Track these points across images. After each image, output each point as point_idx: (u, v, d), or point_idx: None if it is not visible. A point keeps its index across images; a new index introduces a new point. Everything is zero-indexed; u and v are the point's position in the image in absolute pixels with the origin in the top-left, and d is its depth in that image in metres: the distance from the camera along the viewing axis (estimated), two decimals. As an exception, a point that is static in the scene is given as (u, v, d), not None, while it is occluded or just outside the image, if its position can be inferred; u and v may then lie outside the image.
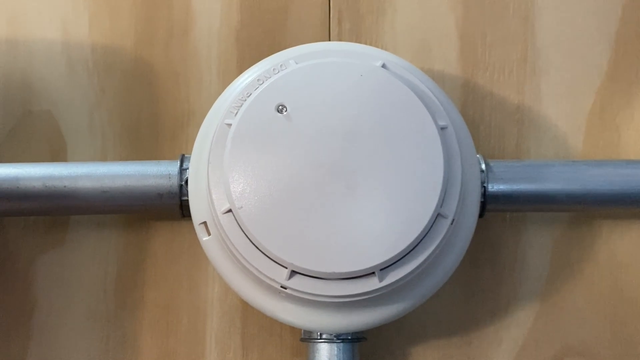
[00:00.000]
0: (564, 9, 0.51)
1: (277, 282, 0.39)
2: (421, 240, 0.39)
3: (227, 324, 0.49)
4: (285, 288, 0.40)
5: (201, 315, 0.49)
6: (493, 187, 0.45)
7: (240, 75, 0.45)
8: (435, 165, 0.40)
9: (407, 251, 0.39)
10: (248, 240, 0.40)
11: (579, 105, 0.51)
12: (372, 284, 0.39)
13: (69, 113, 0.51)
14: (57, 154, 0.50)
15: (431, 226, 0.39)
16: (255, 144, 0.40)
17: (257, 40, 0.51)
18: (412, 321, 0.49)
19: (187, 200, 0.44)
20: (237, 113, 0.41)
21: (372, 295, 0.40)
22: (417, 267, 0.39)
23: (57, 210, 0.46)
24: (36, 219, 0.50)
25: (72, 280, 0.49)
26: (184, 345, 0.49)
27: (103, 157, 0.50)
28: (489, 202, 0.45)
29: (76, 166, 0.46)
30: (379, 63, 0.42)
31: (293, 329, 0.49)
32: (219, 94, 0.45)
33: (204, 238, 0.43)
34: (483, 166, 0.45)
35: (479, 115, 0.51)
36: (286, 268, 0.39)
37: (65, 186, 0.45)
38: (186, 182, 0.44)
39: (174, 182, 0.45)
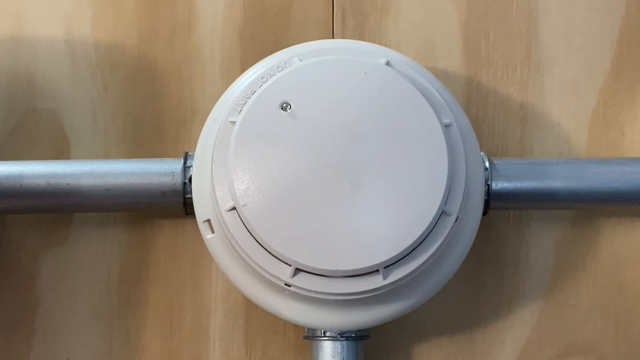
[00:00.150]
0: (568, 7, 0.51)
1: (281, 279, 0.39)
2: (425, 238, 0.39)
3: (231, 321, 0.49)
4: (289, 286, 0.40)
5: (205, 312, 0.49)
6: (497, 185, 0.45)
7: (244, 72, 0.45)
8: (439, 163, 0.40)
9: (411, 249, 0.39)
10: (252, 238, 0.40)
11: (583, 103, 0.51)
12: (376, 281, 0.39)
13: (73, 111, 0.51)
14: (61, 152, 0.50)
15: (435, 224, 0.39)
16: (259, 142, 0.40)
17: (260, 38, 0.51)
18: (416, 319, 0.49)
19: (191, 198, 0.44)
20: (241, 111, 0.41)
21: (376, 293, 0.40)
22: (421, 265, 0.39)
23: (60, 208, 0.46)
24: (40, 217, 0.50)
25: (76, 278, 0.49)
26: (187, 343, 0.49)
27: (106, 155, 0.50)
28: (492, 200, 0.45)
29: (80, 164, 0.46)
30: (383, 61, 0.42)
31: (296, 327, 0.49)
32: (223, 91, 0.45)
33: (207, 236, 0.43)
34: (487, 164, 0.45)
35: (482, 113, 0.51)
36: (290, 266, 0.39)
37: (68, 184, 0.45)
38: (190, 179, 0.44)
39: (178, 179, 0.45)
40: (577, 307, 0.49)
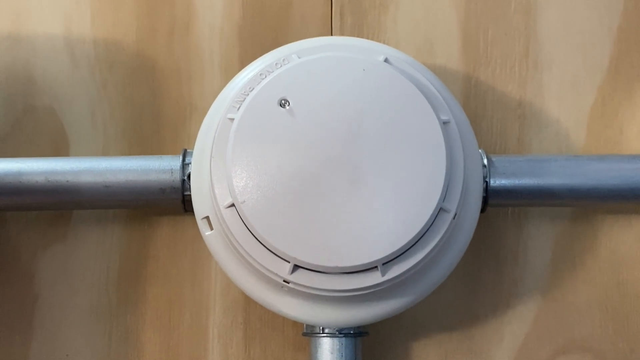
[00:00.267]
0: (566, 4, 0.51)
1: (279, 276, 0.40)
2: (423, 234, 0.39)
3: (230, 318, 0.49)
4: (288, 282, 0.40)
5: (204, 309, 0.49)
6: (495, 182, 0.45)
7: (243, 69, 0.45)
8: (437, 160, 0.40)
9: (410, 245, 0.39)
10: (251, 235, 0.40)
11: (581, 100, 0.51)
12: (375, 278, 0.39)
13: (72, 108, 0.51)
14: (60, 149, 0.50)
15: (433, 221, 0.39)
16: (258, 139, 0.40)
17: (259, 36, 0.51)
18: (414, 316, 0.49)
19: (190, 195, 0.44)
20: (239, 107, 0.41)
21: (374, 290, 0.40)
22: (420, 262, 0.40)
23: (59, 205, 0.47)
24: (39, 214, 0.50)
25: (75, 275, 0.49)
26: (186, 340, 0.49)
27: (105, 152, 0.50)
28: (491, 197, 0.45)
29: (78, 161, 0.46)
30: (382, 58, 0.42)
31: (295, 324, 0.49)
32: (221, 89, 0.45)
33: (206, 233, 0.43)
34: (485, 161, 0.45)
35: (481, 110, 0.51)
36: (289, 262, 0.39)
37: (67, 181, 0.45)
38: (188, 176, 0.44)
39: (177, 176, 0.45)
40: (575, 303, 0.49)
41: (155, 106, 0.51)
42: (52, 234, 0.50)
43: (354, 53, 0.42)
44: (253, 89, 0.41)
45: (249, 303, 0.49)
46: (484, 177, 0.45)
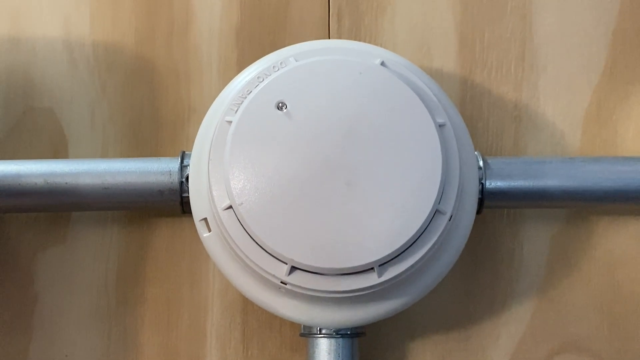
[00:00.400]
0: (562, 7, 0.52)
1: (277, 277, 0.40)
2: (419, 236, 0.40)
3: (228, 319, 0.49)
4: (285, 284, 0.40)
5: (202, 310, 0.49)
6: (491, 184, 0.45)
7: (241, 72, 0.45)
8: (433, 162, 0.40)
9: (406, 247, 0.39)
10: (248, 237, 0.40)
11: (577, 102, 0.51)
12: (371, 279, 0.40)
13: (71, 110, 0.51)
14: (59, 151, 0.51)
15: (429, 222, 0.40)
16: (256, 141, 0.40)
17: (257, 38, 0.52)
18: (411, 316, 0.49)
19: (188, 197, 0.44)
20: (237, 110, 0.41)
21: (371, 291, 0.40)
22: (416, 263, 0.40)
23: (58, 206, 0.47)
24: (38, 216, 0.50)
25: (74, 276, 0.50)
26: (184, 341, 0.49)
27: (104, 154, 0.51)
28: (486, 199, 0.45)
29: (77, 163, 0.46)
30: (378, 61, 0.42)
31: (293, 324, 0.49)
32: (220, 91, 0.45)
33: (204, 234, 0.43)
34: (481, 163, 0.45)
35: (477, 113, 0.51)
36: (286, 264, 0.39)
37: (66, 183, 0.45)
38: (187, 178, 0.45)
39: (175, 178, 0.45)
40: (571, 304, 0.49)
41: (153, 108, 0.51)
42: (51, 235, 0.50)
43: (350, 56, 0.43)
44: (250, 91, 0.41)
45: (246, 304, 0.49)
46: (480, 179, 0.45)
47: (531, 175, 0.46)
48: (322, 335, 0.45)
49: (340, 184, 0.39)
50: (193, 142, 0.44)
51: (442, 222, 0.40)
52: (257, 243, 0.40)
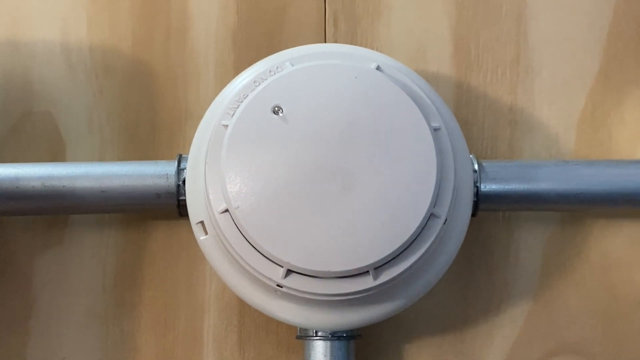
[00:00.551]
0: (556, 11, 0.52)
1: (273, 280, 0.40)
2: (414, 239, 0.40)
3: (224, 322, 0.50)
4: (281, 286, 0.40)
5: (199, 313, 0.50)
6: (486, 187, 0.46)
7: (237, 76, 0.46)
8: (428, 165, 0.40)
9: (401, 250, 0.40)
10: (244, 240, 0.40)
11: (571, 105, 0.51)
12: (367, 282, 0.40)
13: (68, 113, 0.51)
14: (56, 154, 0.51)
15: (424, 226, 0.40)
16: (252, 145, 0.40)
17: (254, 42, 0.52)
18: (406, 319, 0.49)
19: (185, 200, 0.44)
20: (233, 114, 0.41)
21: (366, 294, 0.40)
22: (411, 266, 0.40)
23: (56, 209, 0.47)
24: (35, 219, 0.50)
25: (71, 279, 0.50)
26: (181, 343, 0.49)
27: (101, 157, 0.51)
28: (481, 202, 0.46)
29: (75, 166, 0.46)
30: (374, 65, 0.43)
31: (289, 327, 0.49)
32: (216, 95, 0.46)
33: (201, 237, 0.43)
34: (476, 166, 0.46)
35: (472, 116, 0.51)
36: (282, 267, 0.40)
37: (64, 186, 0.45)
38: (184, 182, 0.45)
39: (172, 182, 0.45)
40: (565, 307, 0.50)
41: (151, 111, 0.51)
42: (49, 238, 0.50)
43: (346, 60, 0.43)
44: (247, 95, 0.42)
45: (243, 307, 0.49)
46: (475, 182, 0.45)
47: (526, 179, 0.46)
48: (318, 338, 0.45)
49: (335, 187, 0.40)
50: (190, 145, 0.45)
51: (437, 226, 0.40)
52: (253, 246, 0.40)
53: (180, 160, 0.46)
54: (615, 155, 0.51)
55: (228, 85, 0.45)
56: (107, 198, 0.46)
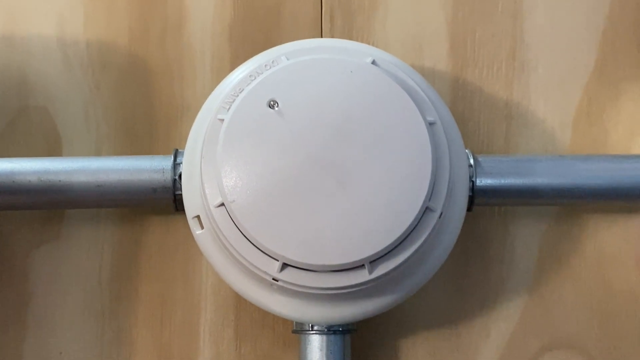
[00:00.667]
0: (552, 7, 0.52)
1: (268, 274, 0.40)
2: (410, 233, 0.40)
3: (221, 316, 0.50)
4: (277, 280, 0.40)
5: (195, 308, 0.50)
6: (481, 182, 0.46)
7: (233, 71, 0.46)
8: (423, 160, 0.40)
9: (396, 244, 0.40)
10: (240, 234, 0.40)
11: (567, 101, 0.51)
12: (362, 276, 0.40)
13: (65, 108, 0.51)
14: (53, 149, 0.51)
15: (420, 219, 0.40)
16: (248, 139, 0.41)
17: (250, 37, 0.52)
18: (402, 313, 0.49)
19: (181, 195, 0.44)
20: (229, 108, 0.41)
21: (362, 287, 0.40)
22: (406, 260, 0.40)
23: (52, 204, 0.47)
24: (31, 213, 0.50)
25: (68, 274, 0.50)
26: (178, 338, 0.49)
27: (98, 152, 0.51)
28: (477, 196, 0.46)
29: (71, 161, 0.46)
30: (369, 59, 0.43)
31: (285, 321, 0.49)
32: (213, 89, 0.46)
33: (197, 232, 0.43)
34: (471, 161, 0.46)
35: (468, 111, 0.51)
36: (277, 261, 0.40)
37: (60, 180, 0.45)
38: (179, 176, 0.45)
39: (168, 176, 0.45)
40: (561, 301, 0.50)
41: (147, 106, 0.52)
42: (45, 232, 0.50)
43: (342, 55, 0.43)
44: (242, 90, 0.42)
45: (239, 301, 0.50)
46: (470, 177, 0.45)
47: (522, 173, 0.46)
48: (314, 332, 0.45)
49: (331, 181, 0.40)
50: (186, 140, 0.45)
51: (432, 219, 0.40)
52: (248, 240, 0.40)
53: (176, 154, 0.46)
54: (610, 151, 0.51)
55: (224, 80, 0.45)
56: (103, 193, 0.46)
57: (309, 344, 0.45)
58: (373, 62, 0.43)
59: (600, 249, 0.50)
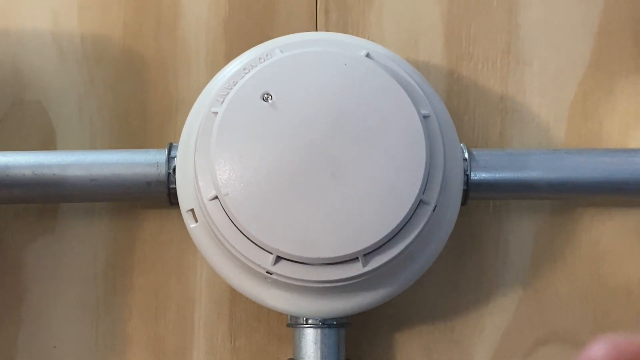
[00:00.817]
0: (548, 1, 0.52)
1: (262, 267, 0.40)
2: (404, 226, 0.40)
3: (215, 310, 0.50)
4: (271, 273, 0.40)
5: (189, 301, 0.50)
6: (476, 175, 0.46)
7: (228, 64, 0.46)
8: (417, 153, 0.40)
9: (390, 237, 0.40)
10: (234, 227, 0.40)
11: (562, 95, 0.51)
12: (356, 269, 0.40)
13: (59, 102, 0.51)
14: (47, 143, 0.51)
15: (413, 213, 0.40)
16: (241, 132, 0.40)
17: (245, 31, 0.52)
18: (397, 307, 0.49)
19: (175, 188, 0.44)
20: (223, 101, 0.41)
21: (356, 280, 0.40)
22: (400, 253, 0.40)
23: (46, 198, 0.47)
24: (26, 207, 0.50)
25: (62, 268, 0.50)
26: (172, 331, 0.49)
27: (92, 146, 0.51)
28: (471, 190, 0.46)
29: (65, 154, 0.46)
30: (363, 52, 0.43)
31: (280, 315, 0.49)
32: (207, 83, 0.46)
33: (191, 225, 0.43)
34: (466, 154, 0.46)
35: (463, 105, 0.51)
36: (271, 254, 0.40)
37: (54, 174, 0.45)
38: (174, 170, 0.45)
39: (162, 170, 0.45)
40: (555, 295, 0.50)
41: (142, 100, 0.51)
42: (40, 227, 0.50)
43: (336, 48, 0.43)
44: (237, 83, 0.42)
45: (234, 295, 0.50)
46: (465, 171, 0.45)
47: (516, 167, 0.46)
48: (308, 326, 0.45)
49: (325, 174, 0.40)
50: (180, 134, 0.45)
51: (426, 213, 0.40)
52: (242, 233, 0.40)
53: (170, 148, 0.46)
54: (605, 145, 0.51)
55: (218, 74, 0.45)
56: (97, 186, 0.46)
57: (303, 337, 0.45)
58: (367, 55, 0.43)
59: (595, 243, 0.50)
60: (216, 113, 0.41)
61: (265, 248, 0.40)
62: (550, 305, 0.50)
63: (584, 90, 0.51)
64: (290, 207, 0.39)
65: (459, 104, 0.51)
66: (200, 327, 0.50)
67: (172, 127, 0.51)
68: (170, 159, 0.45)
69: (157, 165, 0.45)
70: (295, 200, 0.40)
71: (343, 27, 0.52)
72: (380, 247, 0.40)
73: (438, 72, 0.52)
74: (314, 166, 0.40)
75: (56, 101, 0.51)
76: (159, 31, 0.52)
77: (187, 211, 0.43)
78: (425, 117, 0.41)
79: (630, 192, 0.47)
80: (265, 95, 0.41)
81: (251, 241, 0.40)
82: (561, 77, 0.51)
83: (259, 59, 0.42)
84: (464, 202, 0.45)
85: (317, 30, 0.52)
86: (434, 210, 0.41)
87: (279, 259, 0.40)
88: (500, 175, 0.46)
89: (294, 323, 0.46)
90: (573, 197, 0.50)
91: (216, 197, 0.40)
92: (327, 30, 0.52)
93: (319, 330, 0.45)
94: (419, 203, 0.40)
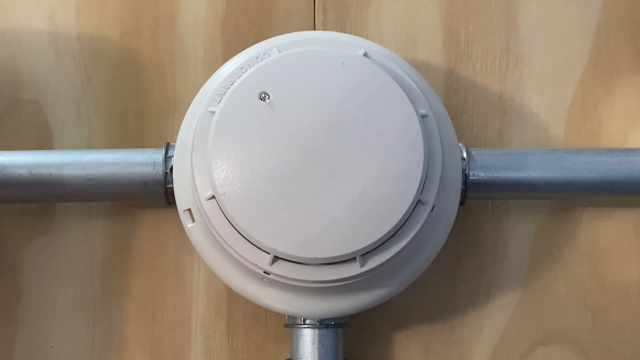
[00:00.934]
0: (546, 0, 0.52)
1: (260, 267, 0.40)
2: (402, 226, 0.40)
3: (213, 310, 0.49)
4: (268, 274, 0.40)
5: (187, 301, 0.49)
6: (474, 175, 0.45)
7: (225, 63, 0.45)
8: (415, 152, 0.40)
9: (388, 237, 0.40)
10: (231, 227, 0.40)
11: (561, 94, 0.51)
12: (354, 269, 0.40)
13: (56, 102, 0.51)
14: (44, 143, 0.51)
15: (411, 213, 0.40)
16: (238, 131, 0.40)
17: (242, 30, 0.52)
18: (395, 307, 0.49)
19: (172, 188, 0.44)
20: (220, 101, 0.41)
21: (353, 281, 0.40)
22: (398, 253, 0.40)
23: (43, 197, 0.47)
24: (23, 207, 0.50)
25: (59, 267, 0.50)
26: (169, 331, 0.49)
27: (89, 146, 0.51)
28: (470, 190, 0.45)
29: (62, 154, 0.46)
30: (361, 52, 0.42)
31: (277, 315, 0.49)
32: (205, 82, 0.45)
33: (188, 225, 0.43)
34: (464, 154, 0.46)
35: (462, 105, 0.51)
36: (269, 254, 0.40)
37: (51, 174, 0.45)
38: (171, 169, 0.45)
39: (159, 170, 0.45)
40: (554, 295, 0.50)
41: (139, 100, 0.51)
42: (37, 226, 0.50)
43: (334, 47, 0.43)
44: (234, 82, 0.41)
45: (231, 295, 0.49)
46: (463, 170, 0.45)
47: (515, 167, 0.46)
48: (306, 326, 0.45)
49: (322, 173, 0.40)
50: (178, 133, 0.44)
51: (424, 212, 0.40)
52: (239, 233, 0.40)
53: (167, 148, 0.46)
54: (605, 144, 0.51)
55: (216, 73, 0.45)
56: (94, 186, 0.45)
57: (301, 337, 0.45)
58: (365, 55, 0.42)
59: (594, 242, 0.50)
60: (213, 112, 0.41)
61: (262, 248, 0.40)
62: (549, 305, 0.50)
63: (582, 90, 0.51)
64: (287, 206, 0.39)
65: (457, 104, 0.51)
66: (198, 327, 0.49)
67: (169, 127, 0.51)
68: (167, 158, 0.45)
69: (154, 165, 0.45)
70: (293, 199, 0.39)
71: (341, 26, 0.52)
72: (378, 247, 0.40)
73: (436, 71, 0.51)
74: (312, 166, 0.40)
75: (53, 101, 0.51)
76: (156, 31, 0.52)
77: (184, 211, 0.43)
78: (423, 117, 0.41)
79: (629, 191, 0.47)
80: (263, 95, 0.41)
81: (248, 241, 0.40)
82: (560, 76, 0.51)
83: (257, 58, 0.42)
84: (462, 202, 0.45)
85: (314, 30, 0.52)
86: (432, 210, 0.40)
87: (276, 259, 0.40)
88: (499, 175, 0.46)
89: (291, 323, 0.46)
90: (572, 196, 0.50)
91: (213, 197, 0.40)
92: (325, 30, 0.52)
93: (316, 331, 0.45)
94: (417, 203, 0.40)
